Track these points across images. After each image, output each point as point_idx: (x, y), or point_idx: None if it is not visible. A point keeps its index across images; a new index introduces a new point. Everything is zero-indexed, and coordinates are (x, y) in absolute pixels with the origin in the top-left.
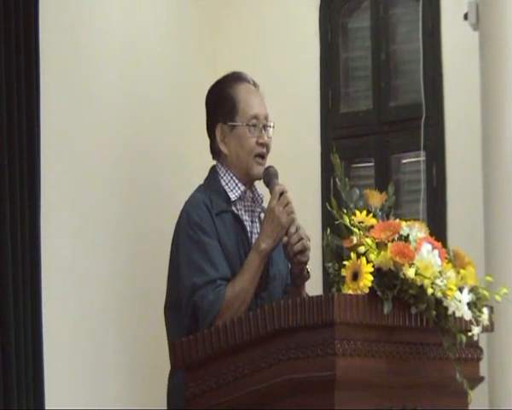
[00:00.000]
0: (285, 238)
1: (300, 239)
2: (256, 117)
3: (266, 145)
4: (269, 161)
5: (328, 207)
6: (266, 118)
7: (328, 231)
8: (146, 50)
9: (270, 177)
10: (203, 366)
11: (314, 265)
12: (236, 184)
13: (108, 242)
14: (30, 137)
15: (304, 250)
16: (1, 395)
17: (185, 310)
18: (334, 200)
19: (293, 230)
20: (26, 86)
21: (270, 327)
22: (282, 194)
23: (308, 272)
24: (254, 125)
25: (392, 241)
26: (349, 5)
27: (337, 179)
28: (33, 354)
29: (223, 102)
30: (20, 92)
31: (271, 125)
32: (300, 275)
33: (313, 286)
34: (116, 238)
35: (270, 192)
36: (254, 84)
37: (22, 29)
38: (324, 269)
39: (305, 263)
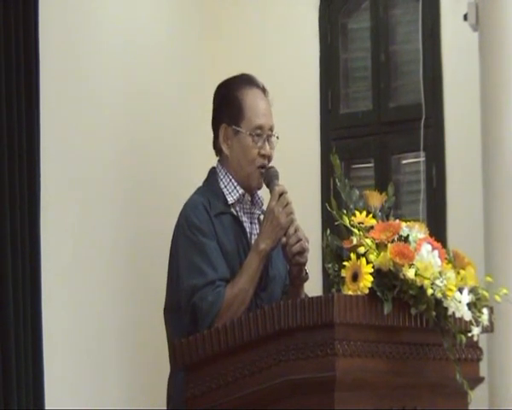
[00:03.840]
0: (284, 239)
1: (299, 240)
2: (261, 127)
3: (268, 157)
4: None
5: (328, 208)
6: (271, 129)
7: (328, 231)
8: (146, 51)
9: (270, 178)
10: (203, 367)
11: (314, 265)
12: (235, 187)
13: (108, 242)
14: (30, 137)
15: (302, 251)
16: (1, 395)
17: (185, 311)
18: (333, 200)
19: (292, 231)
20: (26, 87)
21: (270, 328)
22: (281, 195)
23: (307, 273)
24: (258, 135)
25: (392, 241)
26: (349, 5)
27: (337, 180)
28: (33, 354)
29: (230, 103)
30: (20, 93)
31: (275, 135)
32: (299, 276)
33: (313, 287)
34: (116, 238)
35: (271, 193)
36: (264, 90)
37: (22, 29)
38: (324, 270)
39: (304, 264)
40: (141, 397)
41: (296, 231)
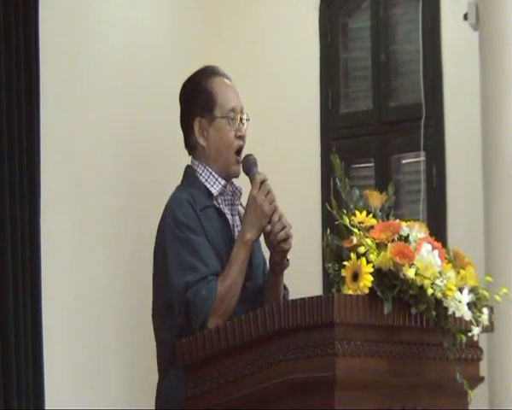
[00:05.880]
0: (268, 227)
1: (283, 227)
2: (233, 110)
3: (243, 138)
4: (268, 161)
5: (328, 208)
6: (242, 111)
7: (328, 231)
8: (146, 51)
9: (249, 165)
10: (203, 367)
11: (314, 265)
12: (216, 179)
13: (108, 242)
14: (30, 137)
15: (287, 238)
16: (1, 395)
17: (178, 310)
18: (333, 200)
19: (276, 218)
20: (26, 86)
21: (270, 327)
22: (262, 183)
23: (288, 260)
24: (232, 119)
25: (392, 241)
26: (349, 5)
27: (337, 180)
28: (33, 354)
29: (200, 95)
30: (20, 92)
31: (247, 118)
32: (281, 263)
33: (313, 287)
34: (116, 238)
35: (251, 181)
36: (228, 78)
37: (22, 29)
38: (324, 270)
39: (288, 251)
40: (140, 397)
41: (280, 218)
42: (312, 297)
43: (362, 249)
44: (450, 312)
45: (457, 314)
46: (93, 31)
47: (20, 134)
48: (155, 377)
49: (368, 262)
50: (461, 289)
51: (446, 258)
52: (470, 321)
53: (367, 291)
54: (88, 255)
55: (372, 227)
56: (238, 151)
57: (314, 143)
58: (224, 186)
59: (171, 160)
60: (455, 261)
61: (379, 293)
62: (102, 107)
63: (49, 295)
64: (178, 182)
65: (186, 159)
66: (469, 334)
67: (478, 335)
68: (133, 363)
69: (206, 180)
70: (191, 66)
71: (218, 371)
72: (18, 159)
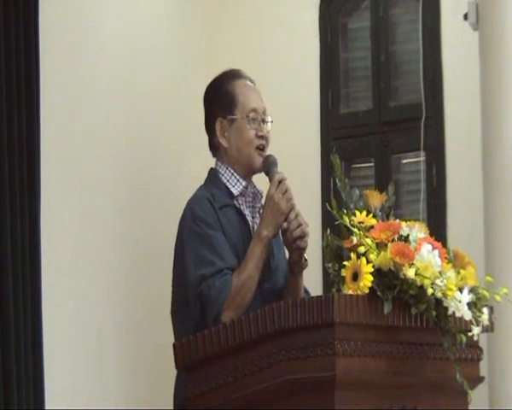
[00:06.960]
0: (284, 224)
1: (300, 225)
2: (255, 110)
3: (265, 138)
4: None
5: (328, 208)
6: (264, 112)
7: (328, 231)
8: (146, 51)
9: (269, 165)
10: (203, 367)
11: (314, 265)
12: (238, 180)
13: (109, 242)
14: (30, 137)
15: (303, 236)
16: (1, 395)
17: (193, 303)
18: (334, 200)
19: (292, 216)
20: (26, 87)
21: (271, 327)
22: (280, 181)
23: (306, 259)
24: (253, 119)
25: (392, 241)
26: (349, 5)
27: (337, 180)
28: (33, 354)
29: (221, 97)
30: (20, 92)
31: (269, 119)
32: (298, 262)
33: (313, 287)
34: (116, 238)
35: (270, 181)
36: (251, 81)
37: (22, 30)
38: (324, 269)
39: (304, 249)
40: (141, 397)
41: (296, 216)
42: (312, 297)
43: (362, 249)
44: (450, 312)
45: (457, 314)
46: (93, 30)
47: (21, 135)
48: (155, 378)
49: (368, 262)
50: (461, 289)
51: (446, 258)
52: (470, 321)
53: (367, 291)
54: (88, 255)
55: (372, 227)
56: (259, 148)
57: (314, 143)
58: (246, 187)
59: (172, 160)
60: (455, 261)
61: (379, 293)
62: (102, 106)
63: (49, 295)
64: (178, 182)
65: (187, 159)
66: (469, 334)
67: (478, 335)
68: (133, 363)
69: (228, 181)
70: (191, 66)
71: (218, 370)
72: (18, 159)
